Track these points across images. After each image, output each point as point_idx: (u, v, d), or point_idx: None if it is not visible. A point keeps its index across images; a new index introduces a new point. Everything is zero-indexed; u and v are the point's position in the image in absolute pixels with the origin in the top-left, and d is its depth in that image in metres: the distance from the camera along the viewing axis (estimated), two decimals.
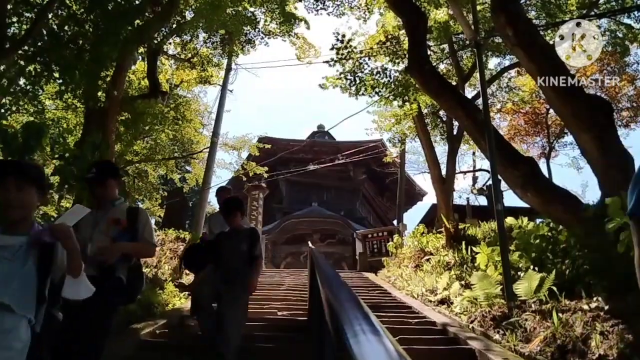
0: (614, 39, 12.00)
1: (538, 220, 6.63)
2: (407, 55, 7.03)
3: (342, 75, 9.61)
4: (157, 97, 10.80)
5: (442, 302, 6.37)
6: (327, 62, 9.38)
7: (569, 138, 16.42)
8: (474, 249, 7.21)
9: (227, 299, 3.69)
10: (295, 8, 12.13)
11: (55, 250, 1.70)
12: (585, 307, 3.70)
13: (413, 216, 52.82)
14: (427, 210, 18.65)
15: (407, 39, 7.11)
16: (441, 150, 14.06)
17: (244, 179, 15.40)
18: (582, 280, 4.45)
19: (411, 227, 14.56)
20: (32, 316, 1.59)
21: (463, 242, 8.24)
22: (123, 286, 2.65)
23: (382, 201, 30.74)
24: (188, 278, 7.98)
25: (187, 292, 7.07)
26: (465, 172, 18.24)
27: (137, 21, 6.89)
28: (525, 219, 7.58)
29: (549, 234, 5.44)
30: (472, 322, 4.89)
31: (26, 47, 6.31)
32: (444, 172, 11.02)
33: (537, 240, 5.49)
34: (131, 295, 2.81)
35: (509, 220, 7.42)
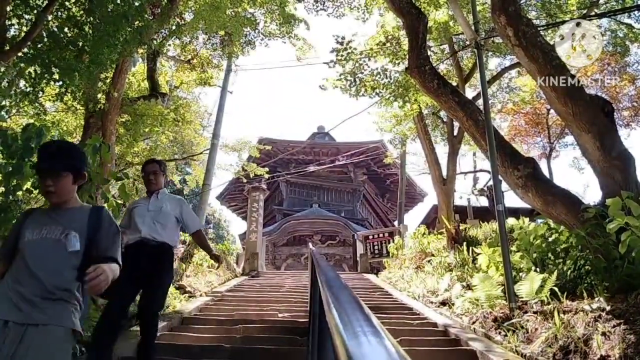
0: (615, 38, 12.02)
1: (539, 221, 6.62)
2: (407, 56, 7.02)
3: (342, 77, 9.59)
4: (157, 99, 10.81)
5: (443, 303, 6.36)
6: (326, 63, 9.37)
7: (569, 138, 16.43)
8: (475, 250, 7.20)
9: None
10: (295, 9, 12.15)
11: None
12: (587, 307, 3.69)
13: (414, 217, 52.97)
14: (428, 211, 18.64)
15: (407, 39, 7.11)
16: (442, 151, 14.07)
17: (244, 180, 15.40)
18: (583, 281, 4.44)
19: (412, 228, 14.56)
20: None
21: (464, 243, 8.23)
22: None
23: (382, 202, 30.72)
24: (188, 280, 7.97)
25: (187, 294, 7.09)
26: (466, 173, 18.21)
27: (137, 23, 6.88)
28: (526, 220, 7.59)
29: (550, 234, 5.43)
30: (473, 323, 4.88)
31: (26, 49, 6.31)
32: (444, 172, 11.01)
33: (538, 241, 5.48)
34: None
35: (510, 221, 7.43)
